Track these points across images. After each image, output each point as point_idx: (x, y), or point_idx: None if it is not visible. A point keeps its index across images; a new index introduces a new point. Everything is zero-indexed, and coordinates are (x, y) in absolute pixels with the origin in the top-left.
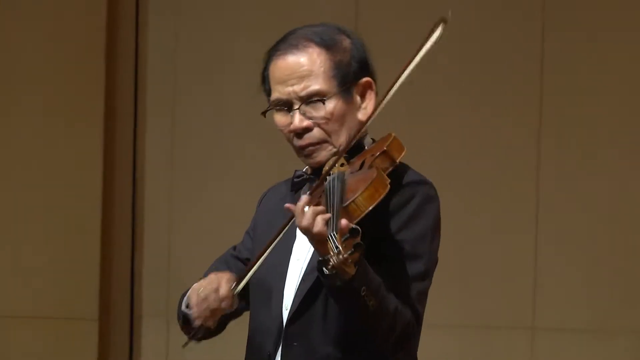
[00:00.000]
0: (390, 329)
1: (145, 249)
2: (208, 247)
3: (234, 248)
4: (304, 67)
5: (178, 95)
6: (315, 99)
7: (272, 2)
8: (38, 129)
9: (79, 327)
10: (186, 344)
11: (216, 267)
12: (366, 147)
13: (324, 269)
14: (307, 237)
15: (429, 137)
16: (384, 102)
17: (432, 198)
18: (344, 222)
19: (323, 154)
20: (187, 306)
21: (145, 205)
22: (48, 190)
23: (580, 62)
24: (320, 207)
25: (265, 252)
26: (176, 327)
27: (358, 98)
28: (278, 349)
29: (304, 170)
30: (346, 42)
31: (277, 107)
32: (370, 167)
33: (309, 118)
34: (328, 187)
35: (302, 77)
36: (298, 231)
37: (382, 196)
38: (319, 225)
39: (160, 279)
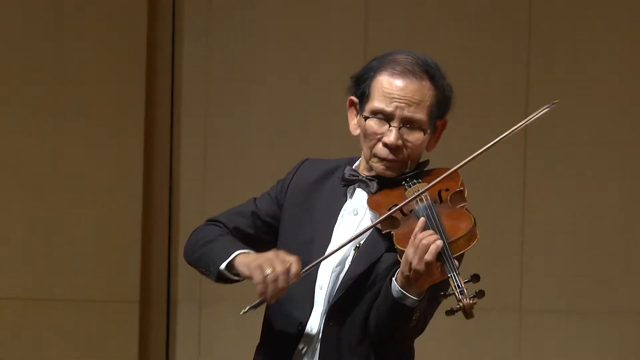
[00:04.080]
0: (410, 335)
1: (181, 240)
2: None
3: (255, 204)
4: (417, 95)
5: (211, 105)
6: (415, 126)
7: (300, 17)
8: (90, 133)
9: (122, 309)
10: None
11: (239, 223)
12: (423, 172)
13: (452, 309)
14: (418, 266)
15: None
16: (469, 159)
17: None
18: (456, 262)
19: (396, 171)
20: (228, 267)
21: (180, 202)
22: (95, 189)
23: (563, 72)
24: (436, 237)
25: (337, 250)
26: (208, 311)
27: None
28: (307, 320)
29: (353, 167)
30: (444, 83)
31: (377, 116)
32: (455, 204)
33: (402, 138)
34: (427, 215)
35: (411, 103)
36: (340, 221)
37: (473, 243)
38: (432, 254)
39: (193, 268)
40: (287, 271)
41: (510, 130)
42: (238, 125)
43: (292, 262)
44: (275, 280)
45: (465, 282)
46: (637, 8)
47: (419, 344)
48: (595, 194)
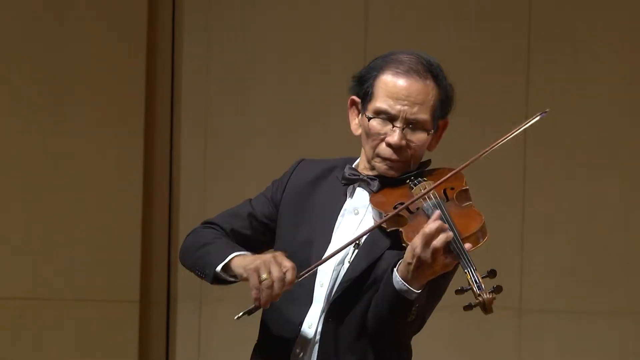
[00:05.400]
0: (408, 331)
1: (181, 240)
2: None
3: (251, 205)
4: (420, 95)
5: (211, 105)
6: (418, 126)
7: (300, 17)
8: (90, 133)
9: (122, 308)
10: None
11: (235, 225)
12: (426, 171)
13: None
14: (423, 254)
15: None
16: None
17: None
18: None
19: (399, 171)
20: (224, 269)
21: (180, 202)
22: (95, 189)
23: (563, 72)
24: (450, 233)
25: (337, 252)
26: (208, 310)
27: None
28: (305, 318)
29: (354, 165)
30: (446, 83)
31: (380, 116)
32: (461, 202)
33: (405, 139)
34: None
35: (415, 103)
36: (340, 220)
37: (483, 241)
38: (441, 240)
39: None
40: (283, 278)
41: (510, 134)
42: (238, 125)
43: (288, 268)
44: (271, 286)
45: (482, 277)
46: (637, 8)
47: (419, 343)
48: (594, 193)
